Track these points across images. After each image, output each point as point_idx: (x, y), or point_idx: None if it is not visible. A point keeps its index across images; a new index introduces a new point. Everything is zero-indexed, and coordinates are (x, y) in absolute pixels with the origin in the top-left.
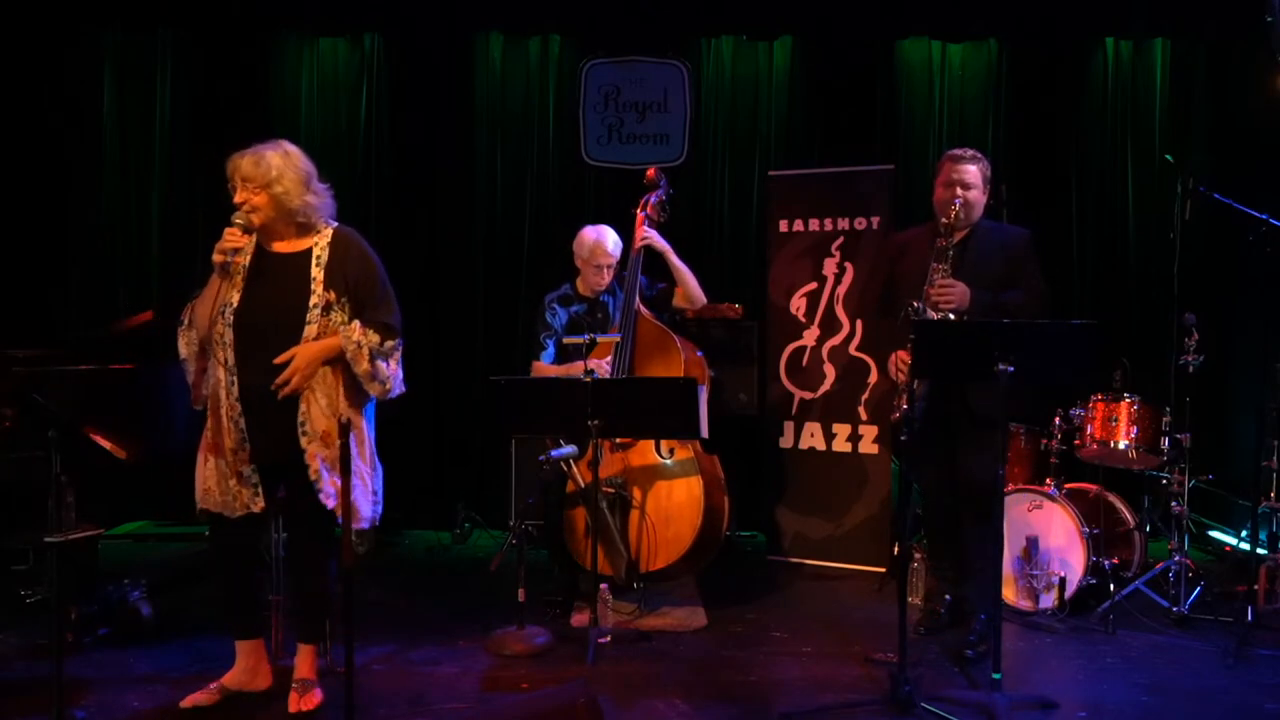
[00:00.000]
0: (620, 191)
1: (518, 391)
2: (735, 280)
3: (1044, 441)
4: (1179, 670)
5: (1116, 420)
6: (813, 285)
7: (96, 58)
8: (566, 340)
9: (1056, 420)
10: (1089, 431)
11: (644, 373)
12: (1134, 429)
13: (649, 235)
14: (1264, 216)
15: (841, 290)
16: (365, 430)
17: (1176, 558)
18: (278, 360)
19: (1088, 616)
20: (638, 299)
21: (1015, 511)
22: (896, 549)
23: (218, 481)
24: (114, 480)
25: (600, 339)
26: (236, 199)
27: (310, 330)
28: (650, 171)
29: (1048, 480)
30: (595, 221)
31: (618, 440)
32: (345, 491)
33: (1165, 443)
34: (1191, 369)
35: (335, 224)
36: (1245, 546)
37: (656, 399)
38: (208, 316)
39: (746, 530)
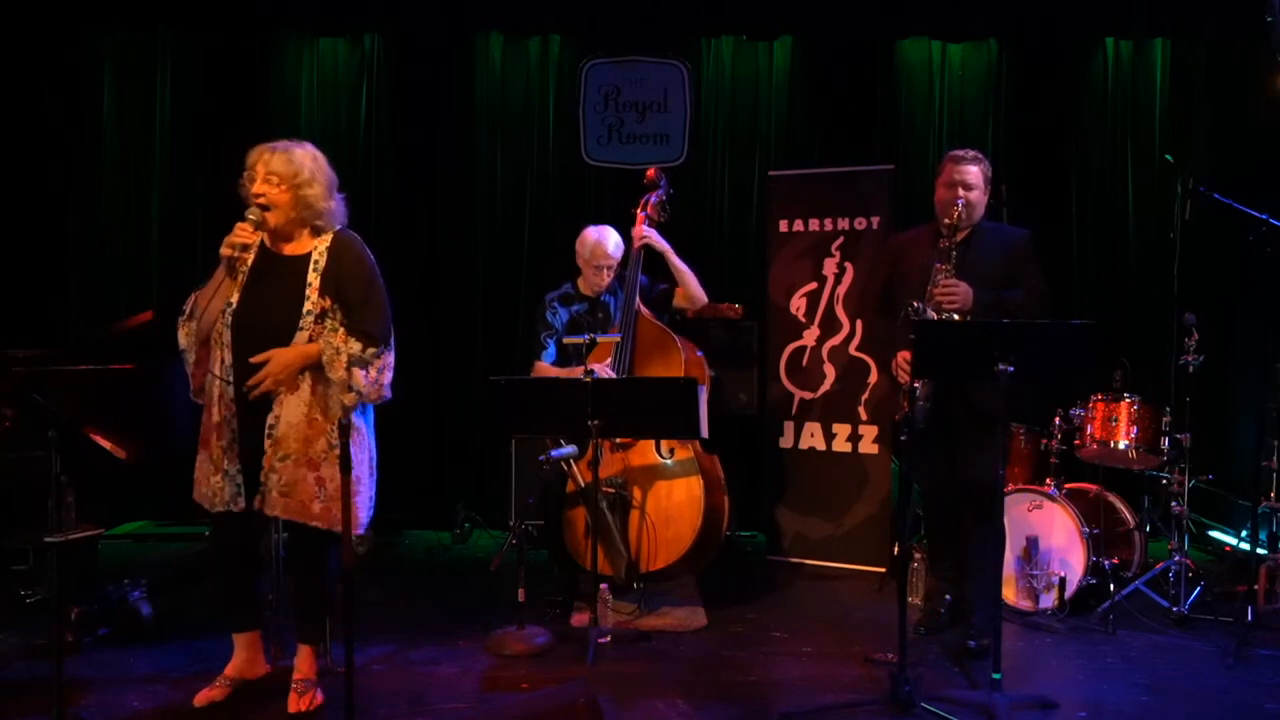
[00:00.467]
0: (620, 191)
1: (518, 391)
2: (735, 280)
3: (1044, 441)
4: (1179, 670)
5: (1116, 420)
6: (813, 285)
7: (96, 58)
8: (566, 340)
9: (1056, 420)
10: (1089, 431)
11: (644, 373)
12: (1134, 429)
13: (648, 234)
14: (1264, 216)
15: (841, 290)
16: (365, 435)
17: (1176, 558)
18: (254, 360)
19: (1088, 616)
20: (638, 299)
21: (1015, 511)
22: (896, 549)
23: (202, 474)
24: (114, 480)
25: (600, 339)
26: (255, 189)
27: (301, 336)
28: (650, 171)
29: (1048, 480)
30: (595, 221)
31: (618, 440)
32: (345, 491)
33: (1165, 443)
34: (1191, 369)
35: (337, 228)
36: (1245, 546)
37: (656, 399)
38: (214, 311)
39: (746, 530)
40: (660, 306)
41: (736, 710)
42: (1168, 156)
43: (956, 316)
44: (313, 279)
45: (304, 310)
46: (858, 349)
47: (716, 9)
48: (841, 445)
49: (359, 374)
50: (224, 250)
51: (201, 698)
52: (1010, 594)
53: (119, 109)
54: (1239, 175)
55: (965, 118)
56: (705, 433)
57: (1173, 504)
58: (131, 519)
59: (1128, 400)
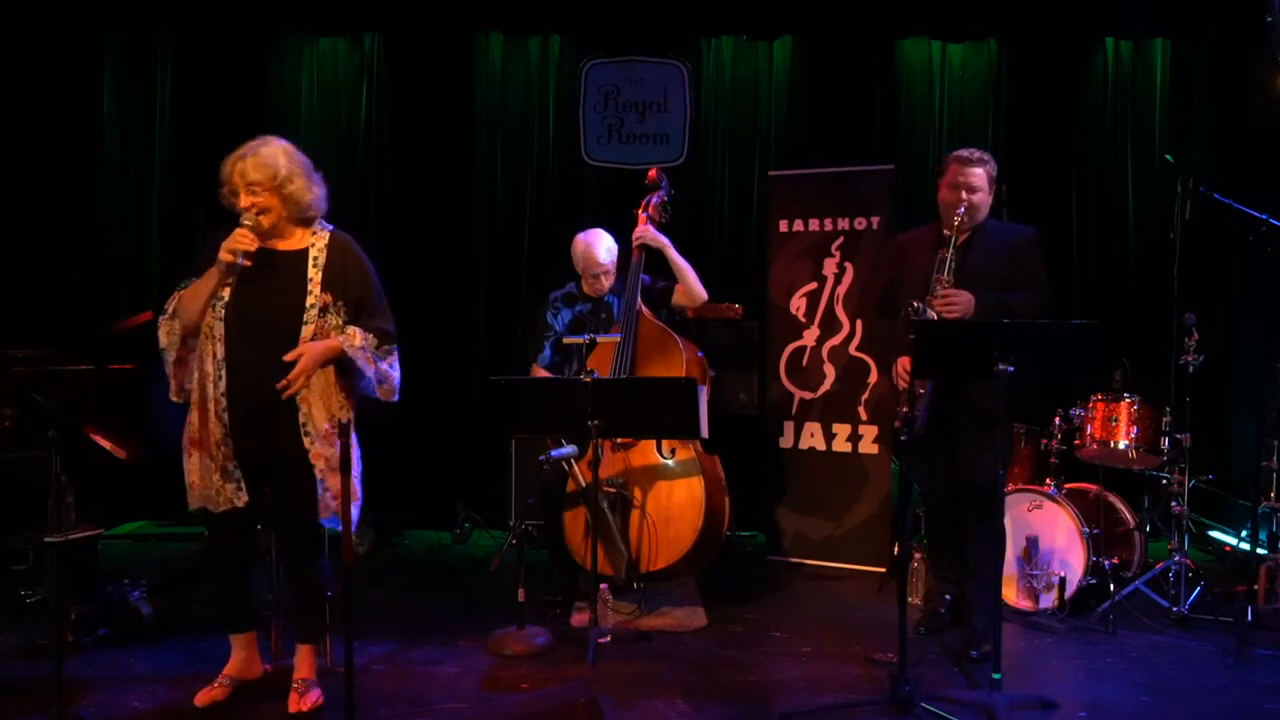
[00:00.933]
0: (620, 191)
1: (518, 391)
2: (735, 280)
3: (1044, 441)
4: (1179, 670)
5: (1116, 420)
6: (813, 285)
7: (96, 58)
8: (567, 340)
9: (1056, 420)
10: (1089, 431)
11: (645, 373)
12: (1134, 429)
13: (644, 233)
14: (1264, 216)
15: (841, 290)
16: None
17: (1176, 558)
18: (287, 358)
19: (1088, 616)
20: (639, 298)
21: (1015, 511)
22: (896, 549)
23: (201, 476)
24: (114, 480)
25: (601, 339)
26: (243, 204)
27: (307, 330)
28: (652, 172)
29: (1048, 480)
30: (595, 221)
31: (618, 440)
32: (345, 490)
33: (1165, 443)
34: (1191, 369)
35: (330, 228)
36: (1245, 546)
37: (657, 399)
38: (198, 310)
39: (746, 530)
40: (660, 303)
41: (736, 710)
42: (1168, 156)
43: None
44: (314, 274)
45: (307, 304)
46: (858, 349)
47: (716, 9)
48: (841, 445)
49: (384, 366)
50: (226, 256)
51: (202, 697)
52: (1010, 594)
53: (119, 109)
54: (1239, 175)
55: (965, 118)
56: (705, 433)
57: (1173, 504)
58: (131, 519)
59: (1128, 400)
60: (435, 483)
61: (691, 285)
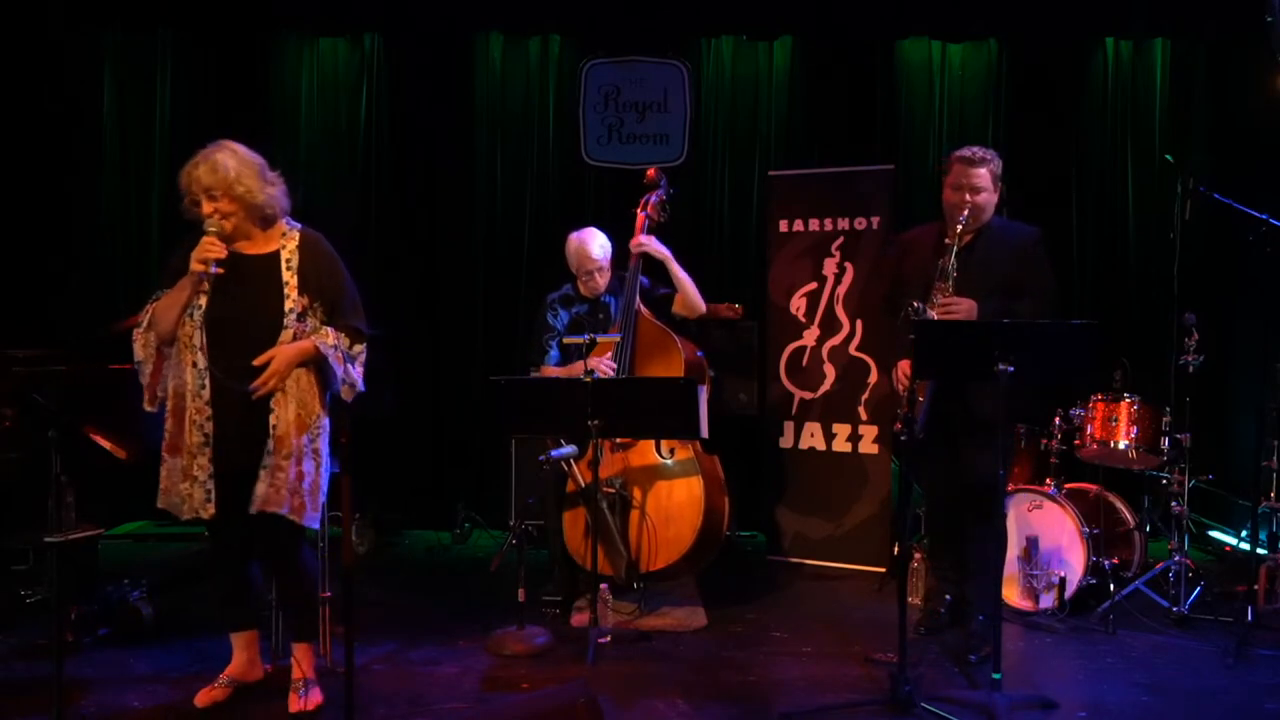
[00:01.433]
0: (620, 191)
1: (518, 391)
2: (735, 280)
3: (1044, 441)
4: (1179, 670)
5: (1116, 420)
6: (813, 285)
7: (96, 58)
8: (566, 340)
9: (1056, 420)
10: (1089, 431)
11: (644, 373)
12: (1134, 429)
13: (645, 243)
14: (1264, 216)
15: (841, 290)
16: (325, 431)
17: (1176, 558)
18: (257, 362)
19: (1088, 616)
20: (639, 299)
21: (1015, 511)
22: (896, 549)
23: (171, 482)
24: (114, 480)
25: (600, 339)
26: (205, 211)
27: (286, 334)
28: (651, 171)
29: (1048, 480)
30: (595, 221)
31: (618, 440)
32: (345, 490)
33: (1165, 443)
34: (1191, 369)
35: (299, 226)
36: (1245, 546)
37: (656, 399)
38: (173, 320)
39: (746, 530)
40: (660, 310)
41: (736, 710)
42: (1168, 156)
43: None
44: (289, 277)
45: (286, 309)
46: (858, 349)
47: (716, 9)
48: (841, 445)
49: (350, 368)
50: (197, 266)
51: (202, 697)
52: (1010, 594)
53: (119, 109)
54: (1239, 175)
55: (965, 118)
56: (705, 433)
57: (1173, 504)
58: (131, 519)
59: (1128, 400)
60: (435, 483)
61: (691, 297)
